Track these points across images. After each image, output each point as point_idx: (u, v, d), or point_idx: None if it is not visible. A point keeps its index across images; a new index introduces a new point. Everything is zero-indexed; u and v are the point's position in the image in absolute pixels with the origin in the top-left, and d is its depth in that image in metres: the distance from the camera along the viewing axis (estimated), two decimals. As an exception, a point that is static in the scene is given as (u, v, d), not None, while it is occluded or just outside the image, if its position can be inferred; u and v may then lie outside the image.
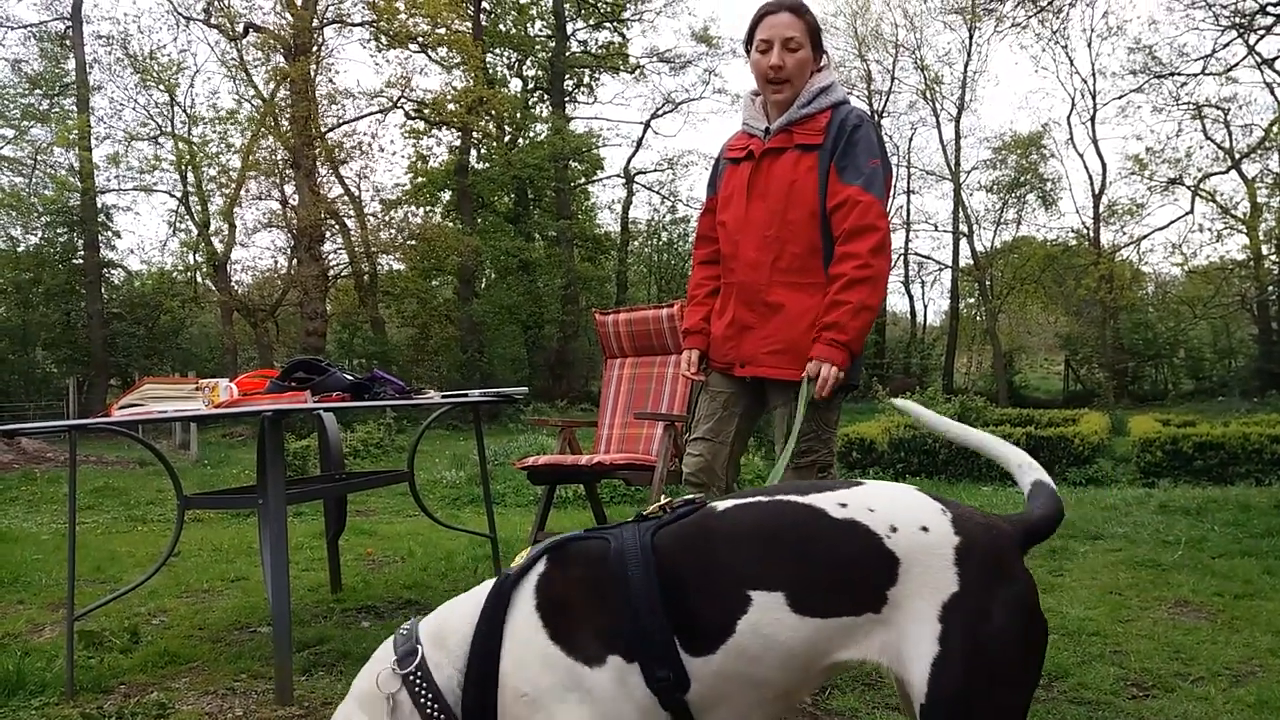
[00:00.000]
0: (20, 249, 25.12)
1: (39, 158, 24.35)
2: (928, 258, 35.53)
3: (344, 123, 24.83)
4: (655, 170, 33.04)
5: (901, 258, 35.34)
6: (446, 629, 1.41)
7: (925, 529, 1.31)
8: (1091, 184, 30.32)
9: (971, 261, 32.10)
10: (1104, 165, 30.38)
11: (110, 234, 26.86)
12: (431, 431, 4.46)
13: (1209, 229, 27.07)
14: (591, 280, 29.89)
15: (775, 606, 1.31)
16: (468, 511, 8.09)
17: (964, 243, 32.34)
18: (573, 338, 27.78)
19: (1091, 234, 30.11)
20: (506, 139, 28.50)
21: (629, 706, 1.31)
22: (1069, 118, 31.23)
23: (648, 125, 31.96)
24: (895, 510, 1.34)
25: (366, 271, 26.66)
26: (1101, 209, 29.93)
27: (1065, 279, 29.71)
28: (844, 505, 1.35)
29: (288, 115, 22.92)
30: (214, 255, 24.85)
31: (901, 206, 34.54)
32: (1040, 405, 24.99)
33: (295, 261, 24.80)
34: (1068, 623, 3.44)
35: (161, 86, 24.78)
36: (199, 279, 27.73)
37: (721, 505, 1.43)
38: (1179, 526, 5.72)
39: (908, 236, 34.67)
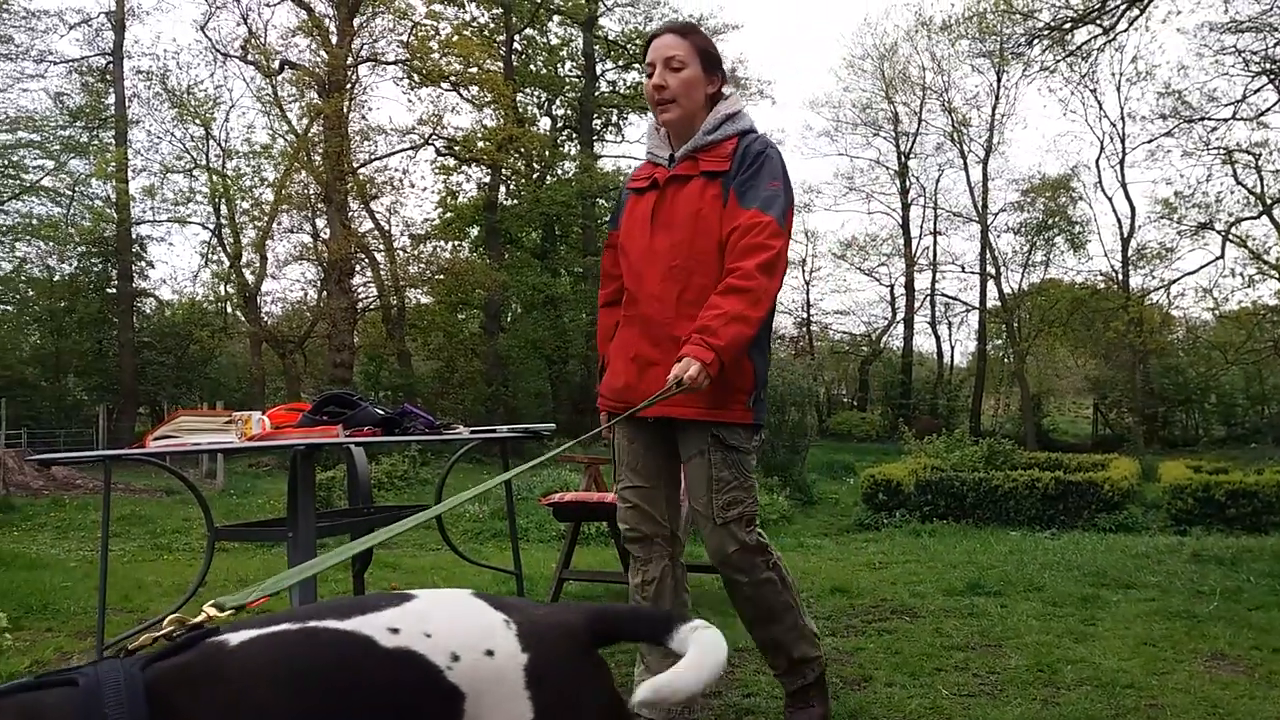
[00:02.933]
0: (56, 278, 25.59)
1: (77, 189, 24.88)
2: (954, 299, 35.44)
3: (376, 159, 25.26)
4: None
5: (928, 298, 35.27)
6: None
7: (490, 652, 1.11)
8: (1120, 227, 30.25)
9: (999, 303, 31.97)
10: (1133, 209, 30.28)
11: (143, 264, 27.36)
12: (455, 465, 4.48)
13: (1240, 274, 26.83)
14: (616, 316, 29.98)
15: None
16: (490, 546, 8.08)
17: (991, 284, 32.25)
18: (597, 373, 27.78)
19: (1120, 277, 29.95)
20: (535, 176, 28.79)
21: None
22: (1098, 161, 31.18)
23: (675, 163, 32.12)
24: (455, 633, 1.12)
25: (394, 304, 26.92)
26: (1130, 252, 29.79)
27: (1094, 322, 29.51)
28: (395, 631, 1.10)
29: (320, 150, 23.29)
30: (245, 286, 25.18)
31: (928, 248, 34.52)
32: (1069, 449, 24.71)
33: (325, 294, 25.11)
34: (1101, 674, 3.38)
35: (198, 121, 25.32)
36: (229, 309, 28.13)
37: (236, 636, 1.09)
38: (1213, 576, 5.61)
39: (934, 277, 34.65)
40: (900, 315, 35.47)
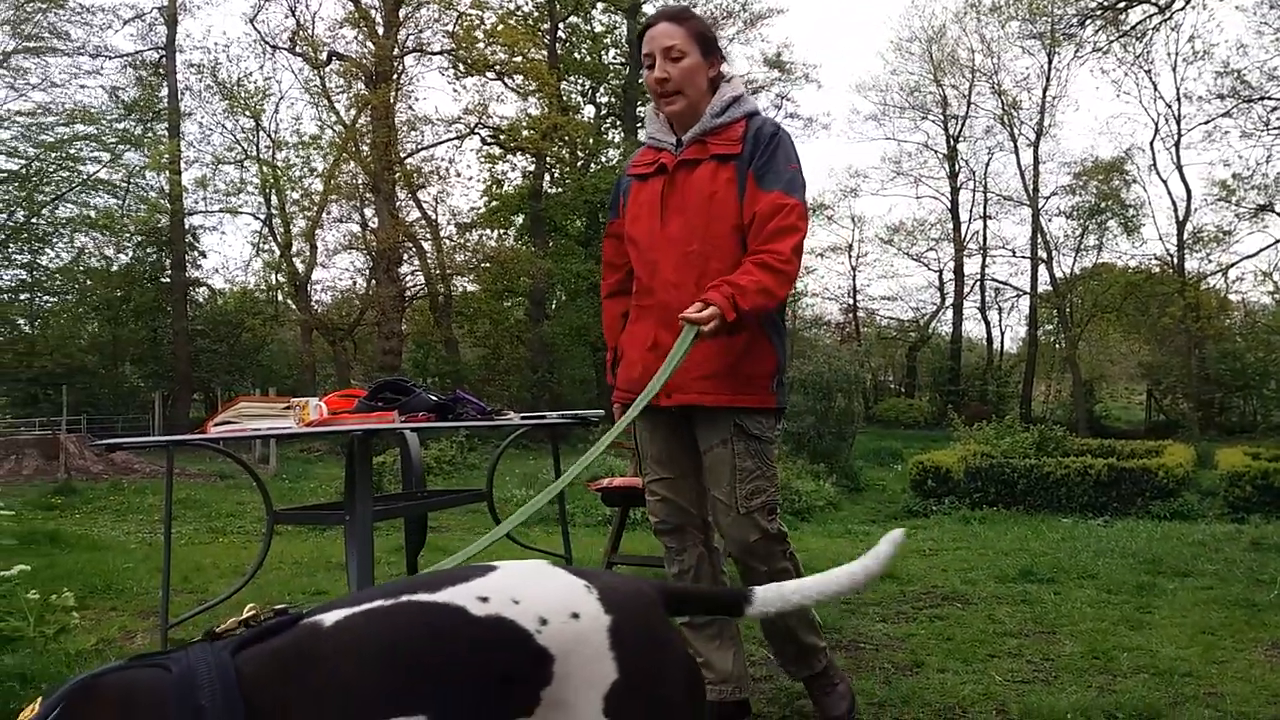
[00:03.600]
0: (113, 268, 26.16)
1: (131, 181, 25.36)
2: (1005, 283, 34.94)
3: (422, 148, 25.51)
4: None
5: (978, 283, 34.78)
6: None
7: (576, 615, 1.16)
8: (1175, 210, 29.55)
9: (1050, 288, 31.45)
10: (1189, 191, 29.57)
11: (196, 254, 27.88)
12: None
13: (1302, 256, 26.11)
14: (661, 304, 29.93)
15: None
16: (538, 530, 8.15)
17: (1042, 269, 31.73)
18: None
19: (1175, 261, 29.30)
20: (579, 164, 28.83)
21: None
22: (1152, 143, 30.42)
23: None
24: (542, 599, 1.17)
25: (441, 292, 27.17)
26: (1186, 236, 29.12)
27: (1148, 307, 28.93)
28: (485, 600, 1.15)
29: (368, 141, 23.55)
30: (295, 275, 25.57)
31: (978, 232, 34.03)
32: (1121, 436, 24.30)
33: (374, 282, 25.44)
34: (1159, 662, 3.33)
35: (248, 112, 25.71)
36: (280, 298, 28.56)
37: (329, 617, 1.12)
38: (1273, 564, 5.49)
39: (984, 261, 34.15)
40: (949, 301, 35.06)
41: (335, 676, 1.07)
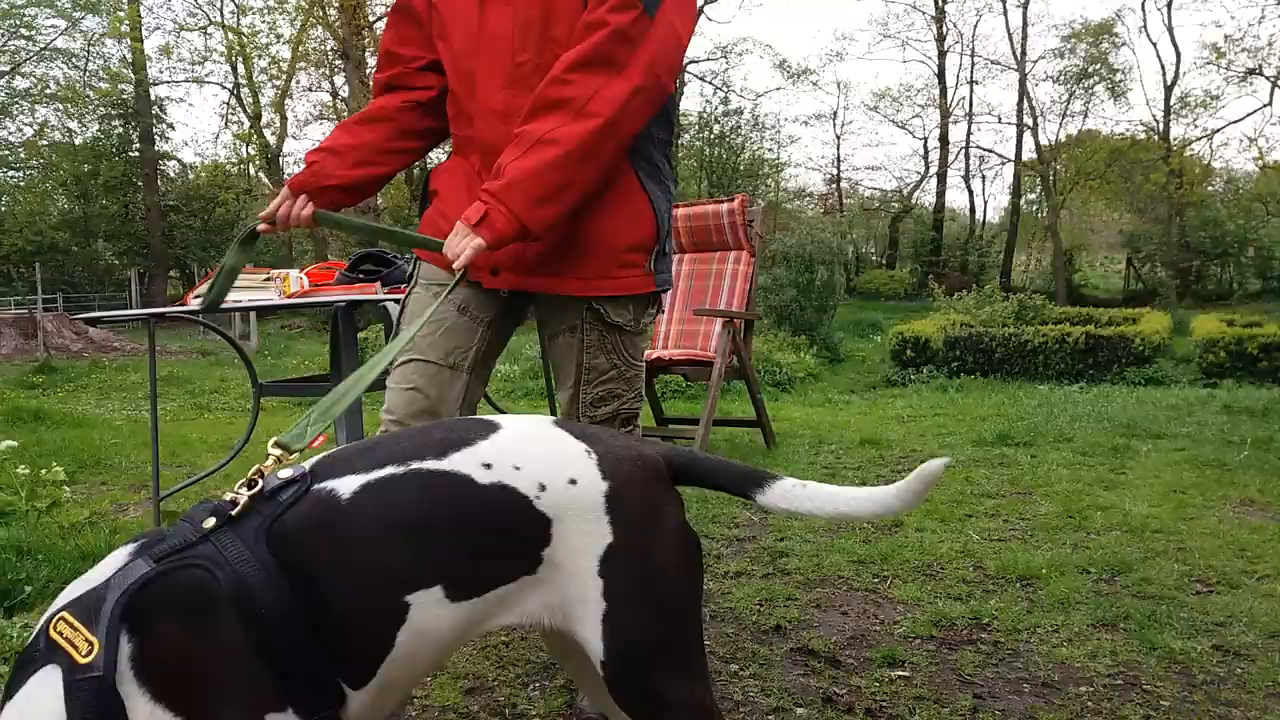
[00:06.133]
0: (78, 141, 25.45)
1: (91, 49, 24.40)
2: (989, 151, 34.65)
3: (392, 11, 24.51)
4: (707, 59, 32.20)
5: (962, 151, 34.41)
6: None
7: (574, 481, 1.19)
8: (1164, 74, 29.14)
9: (1035, 155, 31.15)
10: (1178, 54, 29.16)
11: (164, 126, 27.08)
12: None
13: (1288, 122, 25.86)
14: (641, 174, 29.45)
15: (433, 603, 1.14)
16: (521, 404, 8.22)
17: (1028, 136, 31.34)
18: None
19: (1161, 127, 28.98)
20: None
21: None
22: (1143, 3, 29.80)
23: (700, 11, 31.04)
24: (543, 464, 1.20)
25: (417, 165, 26.60)
26: (1173, 101, 28.74)
27: (1132, 174, 28.75)
28: (489, 466, 1.17)
29: (336, 4, 22.62)
30: (266, 148, 25.01)
31: (964, 98, 33.47)
32: (1100, 304, 24.48)
33: (346, 154, 24.84)
34: (1130, 519, 3.43)
35: (209, -26, 24.56)
36: (252, 171, 27.94)
37: (344, 487, 1.13)
38: (1244, 427, 5.63)
39: (969, 128, 33.70)
40: (933, 170, 34.73)
41: (360, 551, 1.10)
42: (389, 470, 1.15)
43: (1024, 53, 30.69)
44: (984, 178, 35.96)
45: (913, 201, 35.90)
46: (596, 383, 1.91)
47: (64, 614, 1.02)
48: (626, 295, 1.88)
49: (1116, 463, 4.62)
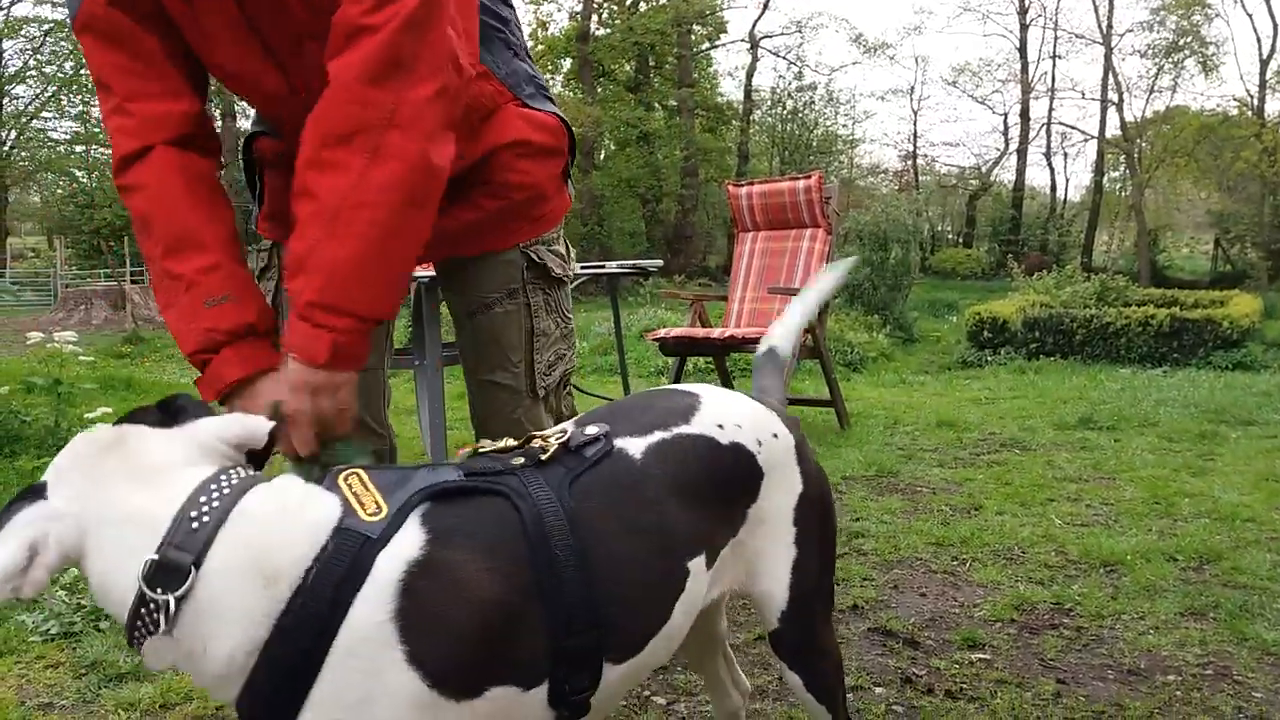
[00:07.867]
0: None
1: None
2: (1072, 127, 33.61)
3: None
4: (782, 34, 31.96)
5: (1044, 128, 33.49)
6: (274, 561, 0.90)
7: (776, 435, 1.25)
8: (1260, 47, 27.90)
9: (1120, 132, 30.16)
10: (1275, 25, 27.78)
11: (244, 105, 27.68)
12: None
13: (1393, 96, 24.62)
14: (712, 152, 29.30)
15: (700, 571, 1.13)
16: (591, 380, 8.27)
17: (1112, 112, 30.35)
18: (691, 211, 27.49)
19: (1255, 103, 27.81)
20: (628, 3, 27.78)
21: None
22: (1240, -28, 28.45)
23: (775, -13, 30.63)
24: (754, 422, 1.24)
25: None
26: (1269, 75, 27.54)
27: (1222, 152, 27.64)
28: (722, 427, 1.20)
29: None
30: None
31: (1046, 73, 32.54)
32: (1185, 286, 23.67)
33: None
34: (1221, 507, 3.34)
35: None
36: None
37: (633, 448, 1.12)
38: (1341, 415, 5.42)
39: (1051, 104, 32.77)
40: (1013, 146, 33.86)
41: (652, 514, 1.09)
42: (657, 434, 1.16)
43: (1110, 26, 29.70)
44: (1066, 155, 35.09)
45: (991, 179, 35.06)
46: (548, 347, 1.71)
47: (359, 471, 1.00)
48: (552, 231, 1.72)
49: (1204, 449, 4.49)
